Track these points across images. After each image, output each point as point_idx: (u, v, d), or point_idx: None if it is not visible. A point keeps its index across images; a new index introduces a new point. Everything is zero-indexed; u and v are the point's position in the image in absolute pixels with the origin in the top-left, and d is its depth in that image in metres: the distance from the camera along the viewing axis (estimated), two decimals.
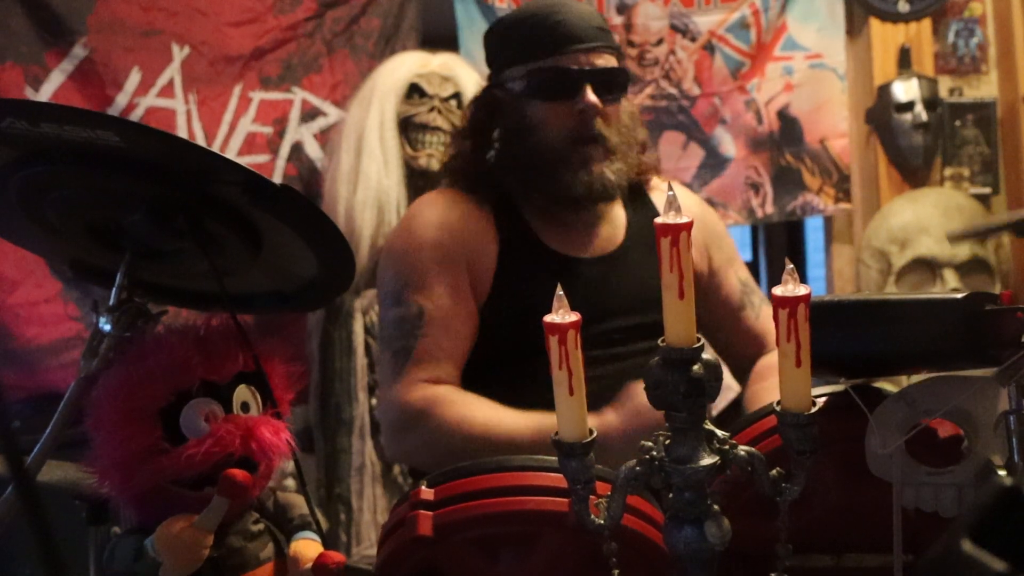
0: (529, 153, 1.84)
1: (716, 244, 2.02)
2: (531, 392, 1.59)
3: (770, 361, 1.94)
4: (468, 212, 1.89)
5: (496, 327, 1.84)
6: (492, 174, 1.89)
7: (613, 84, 1.86)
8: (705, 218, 2.05)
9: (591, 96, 1.82)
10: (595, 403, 1.51)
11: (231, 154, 3.00)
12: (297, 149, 3.10)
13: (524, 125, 1.85)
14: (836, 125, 3.50)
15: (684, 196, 2.13)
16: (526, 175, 1.87)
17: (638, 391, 1.63)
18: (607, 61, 1.85)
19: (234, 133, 3.03)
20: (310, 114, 3.11)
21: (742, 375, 1.99)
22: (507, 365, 1.80)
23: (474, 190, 1.91)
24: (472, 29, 3.24)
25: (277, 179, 3.04)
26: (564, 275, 1.78)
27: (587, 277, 1.87)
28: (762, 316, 2.00)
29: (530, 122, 1.85)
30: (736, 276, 2.03)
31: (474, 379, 1.83)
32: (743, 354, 1.99)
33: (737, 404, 2.03)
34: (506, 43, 1.91)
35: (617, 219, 1.95)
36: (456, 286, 1.84)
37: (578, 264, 1.88)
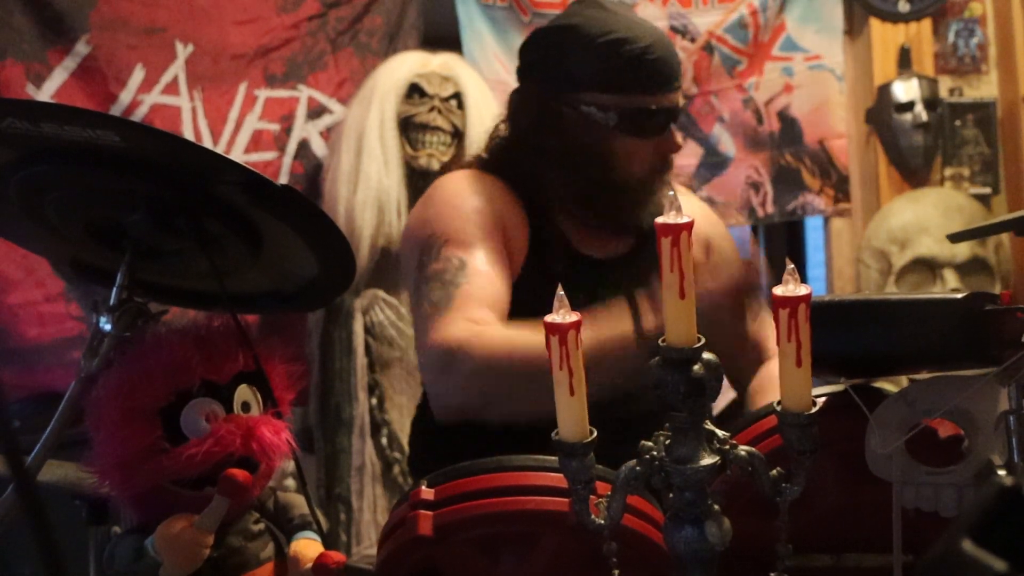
0: (606, 183, 1.80)
1: (719, 243, 2.02)
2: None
3: (771, 372, 1.93)
4: (501, 191, 1.83)
5: (516, 313, 1.80)
6: (532, 174, 1.83)
7: (678, 118, 1.86)
8: (707, 219, 2.05)
9: (678, 137, 1.82)
10: (608, 408, 1.49)
11: (238, 151, 3.00)
12: (304, 146, 3.10)
13: (606, 156, 1.79)
14: (834, 126, 3.50)
15: (690, 203, 2.12)
16: (596, 201, 1.82)
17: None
18: (681, 98, 1.84)
19: (240, 130, 3.03)
20: (316, 111, 3.11)
21: (737, 381, 1.98)
22: None
23: (503, 176, 1.85)
24: (472, 29, 3.24)
25: (284, 177, 3.05)
26: (583, 274, 1.78)
27: (602, 278, 1.86)
28: (761, 322, 2.00)
29: (613, 154, 1.79)
30: None
31: None
32: (740, 360, 1.98)
33: (737, 404, 2.02)
34: (590, 63, 1.78)
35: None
36: (497, 250, 1.76)
37: (595, 264, 1.87)
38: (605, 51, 1.76)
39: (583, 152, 1.80)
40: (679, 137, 1.83)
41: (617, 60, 1.76)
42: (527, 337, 1.60)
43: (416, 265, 1.78)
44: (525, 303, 1.75)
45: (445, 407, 1.69)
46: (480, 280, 1.70)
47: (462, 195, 1.81)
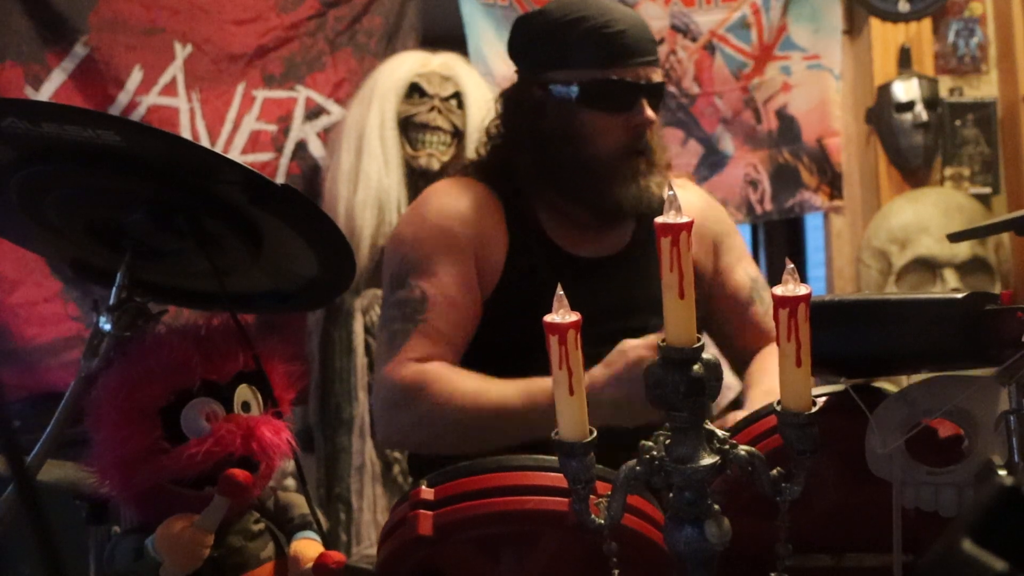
0: (578, 163, 1.82)
1: (724, 238, 2.02)
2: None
3: (774, 348, 1.93)
4: (480, 202, 1.87)
5: (501, 321, 1.83)
6: (515, 169, 1.87)
7: (660, 98, 1.87)
8: (713, 214, 2.05)
9: (648, 112, 1.82)
10: (601, 404, 1.51)
11: (235, 152, 3.00)
12: (301, 147, 3.10)
13: (574, 133, 1.82)
14: (831, 125, 3.50)
15: (691, 192, 2.12)
16: (570, 184, 1.84)
17: (628, 345, 1.62)
18: (658, 75, 1.85)
19: (238, 131, 3.03)
20: (314, 112, 3.11)
21: (744, 368, 1.98)
22: (510, 360, 1.80)
23: (489, 181, 1.89)
24: (474, 28, 3.24)
25: (281, 177, 3.05)
26: (571, 274, 1.79)
27: (593, 278, 1.86)
28: (771, 312, 2.00)
29: (581, 131, 1.82)
30: (745, 271, 2.02)
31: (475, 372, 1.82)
32: (748, 349, 1.98)
33: (737, 404, 2.02)
34: (553, 42, 1.84)
35: (625, 220, 1.94)
36: (462, 275, 1.82)
37: (585, 264, 1.88)
38: (566, 28, 1.82)
39: (553, 130, 1.83)
40: (650, 112, 1.82)
41: (575, 35, 1.81)
42: (473, 384, 1.74)
43: (387, 283, 1.89)
44: (515, 309, 1.77)
45: (386, 439, 1.92)
46: (437, 316, 1.80)
47: (436, 214, 1.87)
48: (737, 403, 2.00)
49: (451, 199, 1.88)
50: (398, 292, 1.84)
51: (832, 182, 3.50)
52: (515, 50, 1.93)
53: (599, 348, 1.75)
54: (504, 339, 1.82)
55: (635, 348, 1.62)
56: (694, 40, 3.42)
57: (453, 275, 1.82)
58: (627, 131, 1.82)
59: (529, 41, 1.89)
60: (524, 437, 1.60)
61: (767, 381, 1.85)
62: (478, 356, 1.83)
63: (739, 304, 1.99)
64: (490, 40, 3.24)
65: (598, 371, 1.63)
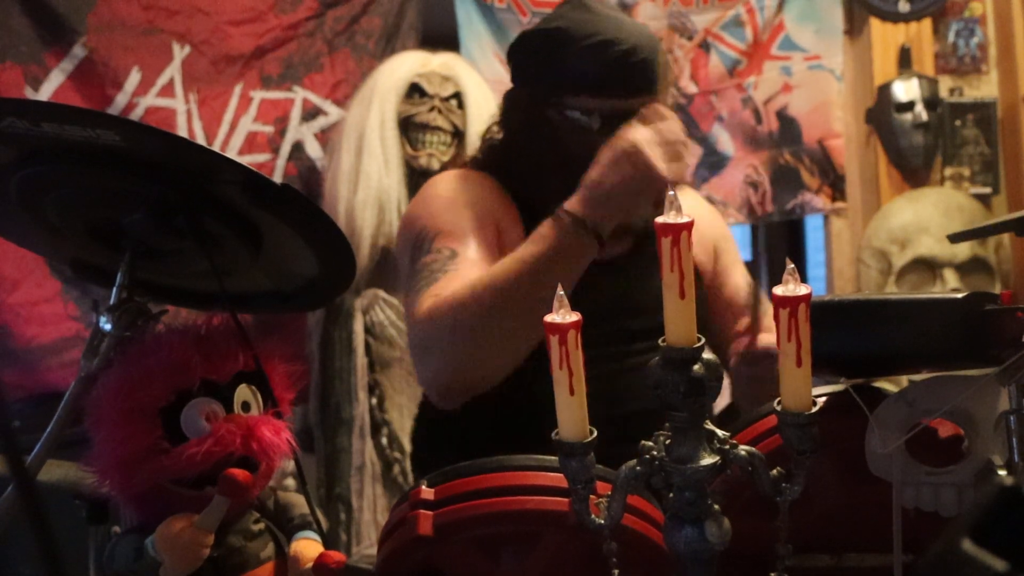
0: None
1: (723, 242, 2.02)
2: (538, 388, 1.58)
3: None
4: (495, 189, 1.83)
5: None
6: (526, 176, 1.81)
7: None
8: (712, 218, 2.05)
9: None
10: (601, 405, 1.50)
11: (232, 153, 3.00)
12: (298, 148, 3.10)
13: (590, 158, 1.72)
14: (833, 126, 3.50)
15: (690, 196, 2.12)
16: None
17: (626, 131, 1.62)
18: (669, 98, 1.83)
19: (235, 132, 3.03)
20: (311, 113, 3.11)
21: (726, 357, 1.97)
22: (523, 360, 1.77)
23: (498, 177, 1.84)
24: (471, 29, 3.24)
25: (278, 178, 3.04)
26: (583, 275, 1.78)
27: (599, 277, 1.85)
28: (767, 315, 2.00)
29: (597, 157, 1.74)
30: (742, 276, 2.03)
31: None
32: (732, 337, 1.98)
33: (735, 407, 2.02)
34: (568, 66, 1.76)
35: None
36: (490, 243, 1.75)
37: (592, 265, 1.87)
38: (589, 54, 1.73)
39: (570, 156, 1.76)
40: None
41: (601, 63, 1.73)
42: (488, 271, 1.63)
43: (409, 260, 1.79)
44: None
45: (442, 386, 1.67)
46: (467, 269, 1.68)
47: (454, 191, 1.82)
48: (735, 406, 1.99)
49: (467, 181, 1.83)
50: (422, 259, 1.74)
51: (834, 184, 3.51)
52: (526, 65, 1.85)
53: (604, 349, 1.75)
54: None
55: (633, 131, 1.61)
56: (690, 39, 3.42)
57: (482, 241, 1.73)
58: None
59: (545, 61, 1.80)
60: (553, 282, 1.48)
61: None
62: None
63: (736, 308, 1.99)
64: (486, 41, 3.24)
65: (595, 169, 1.62)
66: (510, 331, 1.60)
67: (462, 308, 1.61)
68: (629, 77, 1.74)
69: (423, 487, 1.26)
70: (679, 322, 1.02)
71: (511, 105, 1.88)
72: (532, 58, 1.83)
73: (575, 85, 1.77)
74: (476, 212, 1.77)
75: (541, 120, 1.80)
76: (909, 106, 3.42)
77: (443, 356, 1.65)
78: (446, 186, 1.84)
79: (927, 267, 3.31)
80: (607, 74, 1.74)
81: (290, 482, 2.27)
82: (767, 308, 1.87)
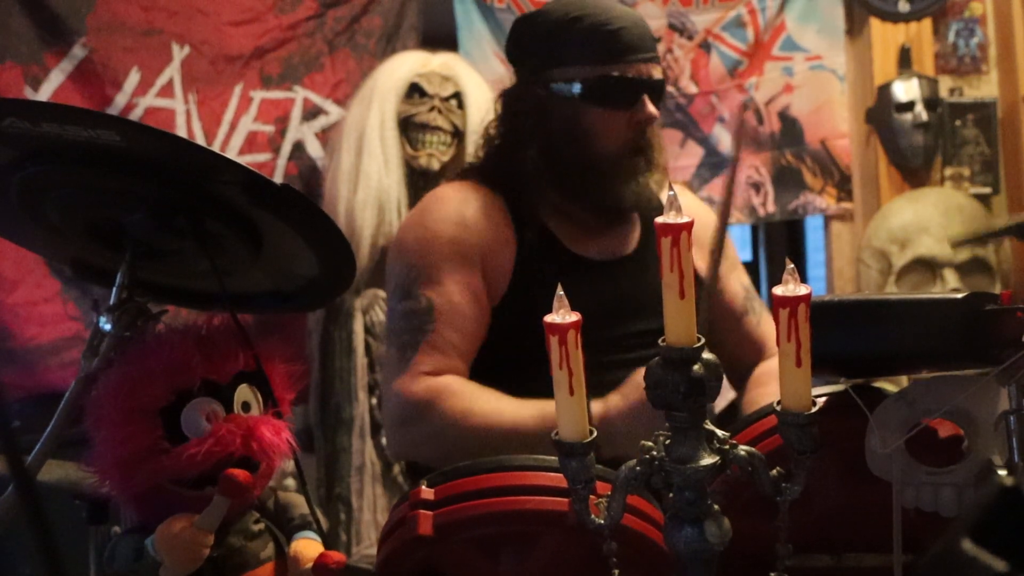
0: (581, 160, 1.81)
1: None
2: (543, 394, 1.59)
3: (770, 367, 1.93)
4: (486, 208, 1.85)
5: (511, 327, 1.81)
6: (518, 171, 1.85)
7: (661, 94, 1.86)
8: (712, 220, 2.05)
9: (650, 107, 1.81)
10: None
11: (232, 153, 3.00)
12: (298, 148, 3.10)
13: (576, 131, 1.81)
14: (836, 126, 3.50)
15: (689, 198, 2.12)
16: (572, 182, 1.83)
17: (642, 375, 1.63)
18: (659, 72, 1.84)
19: (235, 132, 3.03)
20: (311, 113, 3.11)
21: (740, 382, 1.98)
22: (520, 366, 1.78)
23: (491, 184, 1.87)
24: (471, 29, 3.24)
25: (278, 178, 3.04)
26: (581, 276, 1.78)
27: (602, 279, 1.85)
28: (763, 322, 2.00)
29: (583, 128, 1.81)
30: (739, 281, 2.02)
31: (486, 379, 1.81)
32: (743, 360, 1.97)
33: (735, 407, 2.02)
34: (553, 41, 1.83)
35: (631, 222, 1.94)
36: (469, 283, 1.81)
37: (594, 266, 1.87)
38: (566, 27, 1.81)
39: (556, 129, 1.82)
40: (652, 108, 1.82)
41: (576, 33, 1.80)
42: (487, 403, 1.73)
43: (392, 291, 1.89)
44: (525, 313, 1.76)
45: (397, 454, 1.92)
46: (445, 326, 1.78)
47: (441, 221, 1.85)
48: (734, 407, 2.00)
49: (455, 205, 1.86)
50: (404, 303, 1.82)
51: (839, 184, 3.50)
52: (515, 50, 1.92)
53: (605, 354, 1.75)
54: (515, 344, 1.78)
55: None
56: (690, 39, 3.42)
57: (460, 283, 1.80)
58: (629, 127, 1.82)
59: (529, 41, 1.88)
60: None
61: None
62: (488, 363, 1.82)
63: (734, 312, 1.99)
64: (485, 41, 3.24)
65: (613, 401, 1.64)
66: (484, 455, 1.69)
67: (450, 426, 1.73)
68: (606, 43, 1.80)
69: (423, 487, 1.26)
70: (679, 322, 1.02)
71: (506, 97, 1.92)
72: (519, 42, 1.91)
73: (556, 57, 1.84)
74: (461, 248, 1.82)
75: (531, 102, 1.85)
76: (909, 106, 3.42)
77: (416, 449, 1.84)
78: (439, 213, 1.87)
79: (927, 267, 3.31)
80: (585, 41, 1.80)
81: (290, 482, 2.27)
82: (769, 329, 1.88)
